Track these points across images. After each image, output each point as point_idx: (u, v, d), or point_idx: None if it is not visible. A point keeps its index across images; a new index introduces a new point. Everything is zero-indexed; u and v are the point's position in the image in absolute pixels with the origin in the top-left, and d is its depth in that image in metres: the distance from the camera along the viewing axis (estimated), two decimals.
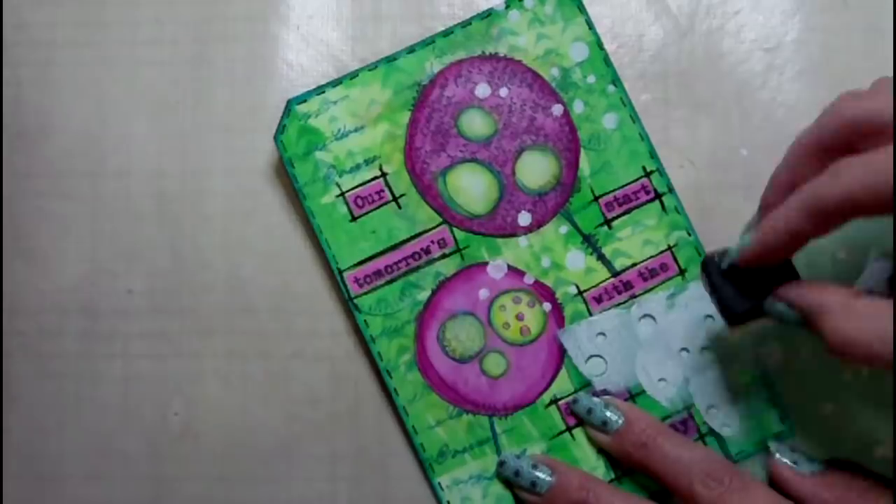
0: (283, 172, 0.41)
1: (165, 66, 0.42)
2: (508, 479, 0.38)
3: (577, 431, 0.39)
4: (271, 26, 0.42)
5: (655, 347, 0.39)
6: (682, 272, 0.40)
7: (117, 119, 0.42)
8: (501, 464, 0.38)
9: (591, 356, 0.39)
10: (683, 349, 0.39)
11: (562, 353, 0.39)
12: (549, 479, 0.37)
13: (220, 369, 0.41)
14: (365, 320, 0.39)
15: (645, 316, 0.40)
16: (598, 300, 0.40)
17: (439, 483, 0.39)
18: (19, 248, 0.42)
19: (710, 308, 0.39)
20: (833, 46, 0.41)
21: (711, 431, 0.39)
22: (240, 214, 0.41)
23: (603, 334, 0.40)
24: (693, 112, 0.41)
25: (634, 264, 0.40)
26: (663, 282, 0.40)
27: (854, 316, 0.31)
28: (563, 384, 0.39)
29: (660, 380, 0.39)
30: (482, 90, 0.40)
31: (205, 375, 0.41)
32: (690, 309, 0.39)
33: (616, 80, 0.40)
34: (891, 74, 0.41)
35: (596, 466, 0.39)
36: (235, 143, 0.42)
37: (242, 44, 0.42)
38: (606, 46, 0.41)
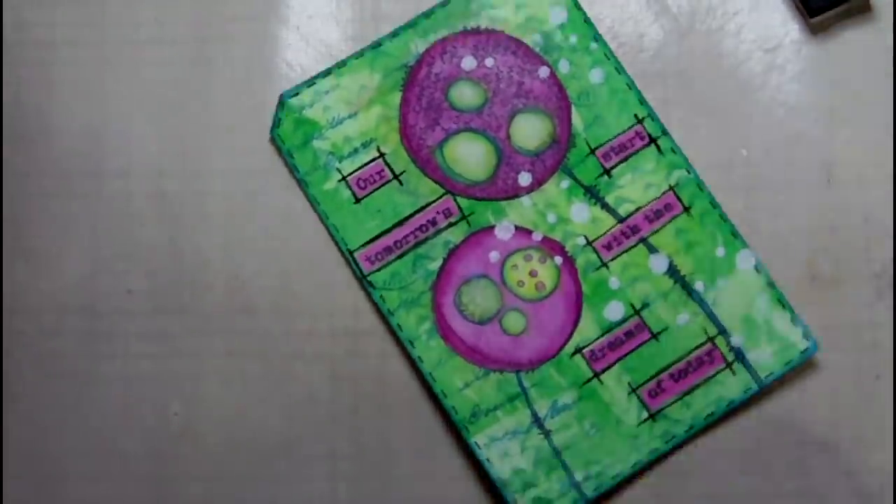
0: (284, 172, 0.41)
1: (165, 66, 0.42)
2: None
3: (606, 376, 0.39)
4: (271, 26, 0.42)
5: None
6: (686, 209, 0.40)
7: (118, 119, 0.42)
8: None
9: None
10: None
11: (580, 302, 0.40)
12: None
13: (220, 369, 0.41)
14: (381, 296, 0.40)
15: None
16: (608, 247, 0.40)
17: (476, 442, 0.39)
18: (20, 248, 0.42)
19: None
20: (833, 46, 0.41)
21: (738, 358, 0.39)
22: (240, 214, 0.41)
23: None
24: (693, 112, 0.41)
25: (639, 208, 0.40)
26: (669, 221, 0.40)
27: None
28: (585, 332, 0.40)
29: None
30: (468, 63, 0.41)
31: (205, 375, 0.41)
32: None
33: (597, 37, 0.41)
34: (890, 75, 0.41)
35: (627, 408, 0.39)
36: (235, 143, 0.42)
37: (242, 44, 0.42)
38: None
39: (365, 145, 0.41)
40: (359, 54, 0.41)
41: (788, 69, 0.41)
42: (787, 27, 0.42)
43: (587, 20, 0.41)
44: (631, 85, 0.41)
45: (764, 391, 0.39)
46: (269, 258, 0.41)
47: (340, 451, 0.40)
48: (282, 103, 0.40)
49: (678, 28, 0.42)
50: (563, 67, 0.41)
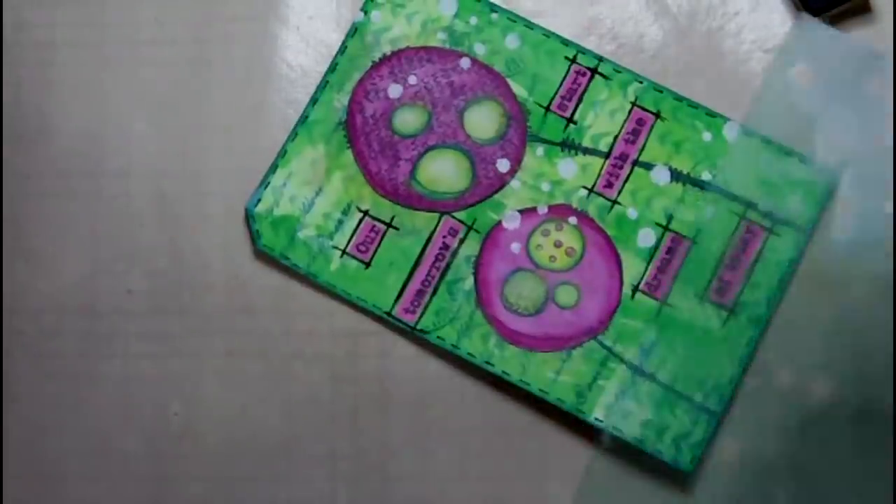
0: None
1: (165, 67, 0.42)
2: None
3: (671, 298, 0.40)
4: (271, 27, 0.42)
5: None
6: (657, 115, 0.41)
7: (117, 119, 0.42)
8: None
9: None
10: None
11: (612, 246, 0.40)
12: None
13: (220, 369, 0.41)
14: (437, 336, 0.40)
15: None
16: (609, 185, 0.41)
17: (596, 418, 0.39)
18: (19, 248, 0.42)
19: None
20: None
21: (775, 221, 0.40)
22: (240, 214, 0.41)
23: None
24: None
25: (616, 137, 0.41)
26: (648, 133, 0.41)
27: None
28: (632, 270, 0.40)
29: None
30: (394, 91, 0.41)
31: (205, 375, 0.41)
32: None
33: (494, 7, 0.41)
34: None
35: (706, 316, 0.39)
36: (235, 143, 0.42)
37: (242, 44, 0.42)
38: (606, 46, 0.42)
39: (345, 212, 0.41)
40: (292, 136, 0.41)
41: None
42: (786, 27, 0.42)
43: None
44: (548, 33, 0.41)
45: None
46: (269, 258, 0.41)
47: (340, 451, 0.40)
48: (250, 216, 0.40)
49: (678, 28, 0.42)
50: (480, 49, 0.41)
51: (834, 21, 0.41)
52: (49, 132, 0.42)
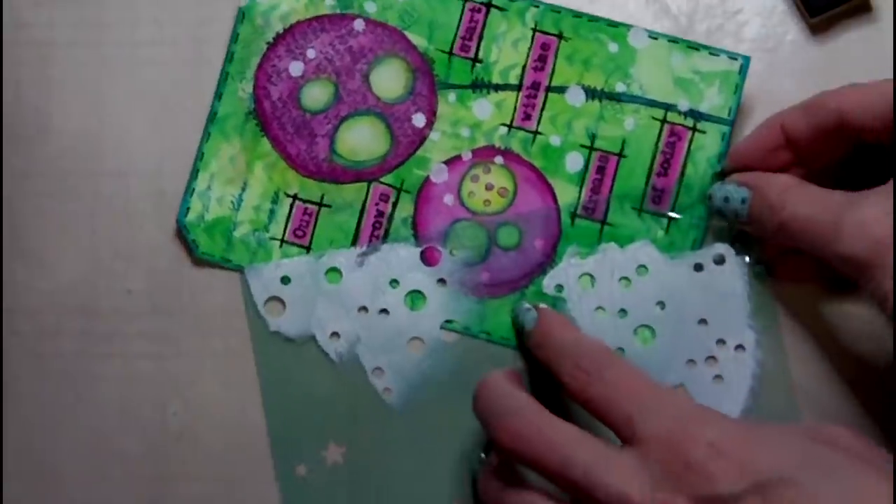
0: None
1: (165, 66, 0.42)
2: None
3: (611, 217, 0.40)
4: None
5: (335, 301, 0.40)
6: (559, 36, 0.41)
7: (116, 119, 0.42)
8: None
9: (272, 298, 0.40)
10: (363, 308, 0.40)
11: (542, 177, 0.40)
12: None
13: (220, 369, 0.41)
14: None
15: (332, 269, 0.40)
16: (527, 117, 0.41)
17: None
18: (19, 248, 0.42)
19: (396, 272, 0.40)
20: (833, 46, 0.41)
21: (696, 117, 0.40)
22: None
23: (287, 279, 0.40)
24: None
25: (524, 66, 0.41)
26: (555, 56, 0.41)
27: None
28: (566, 197, 0.40)
29: (333, 334, 0.40)
30: (296, 68, 0.41)
31: (205, 375, 0.41)
32: (377, 270, 0.40)
33: None
34: (890, 75, 0.41)
35: (648, 227, 0.40)
36: None
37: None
38: None
39: (275, 201, 0.41)
40: (206, 137, 0.41)
41: (788, 69, 0.41)
42: (787, 27, 0.42)
43: None
44: None
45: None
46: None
47: (341, 451, 0.40)
48: (183, 226, 0.40)
49: (678, 28, 0.42)
50: (371, 8, 0.41)
51: (834, 21, 0.41)
52: (48, 132, 0.42)
